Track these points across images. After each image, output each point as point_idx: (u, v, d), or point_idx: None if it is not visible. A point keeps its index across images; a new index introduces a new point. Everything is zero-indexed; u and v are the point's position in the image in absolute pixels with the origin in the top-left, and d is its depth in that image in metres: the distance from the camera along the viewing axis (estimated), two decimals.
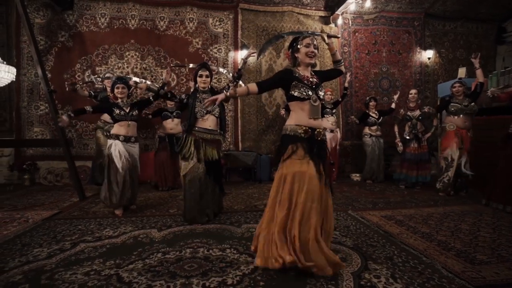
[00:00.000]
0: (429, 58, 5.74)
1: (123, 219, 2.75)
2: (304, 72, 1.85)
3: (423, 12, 5.65)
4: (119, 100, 2.95)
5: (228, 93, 1.77)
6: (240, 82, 4.47)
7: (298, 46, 1.84)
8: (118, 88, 2.93)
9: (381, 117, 4.83)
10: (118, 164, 2.79)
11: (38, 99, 4.68)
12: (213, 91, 2.79)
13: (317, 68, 5.17)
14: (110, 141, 2.89)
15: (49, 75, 4.42)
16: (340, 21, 5.32)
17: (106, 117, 4.09)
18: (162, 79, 2.87)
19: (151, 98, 3.15)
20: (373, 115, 4.81)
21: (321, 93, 1.84)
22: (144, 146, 4.83)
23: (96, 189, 4.00)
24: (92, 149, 4.68)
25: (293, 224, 1.64)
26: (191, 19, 5.02)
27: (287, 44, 1.89)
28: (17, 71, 3.92)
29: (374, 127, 4.79)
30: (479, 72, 3.47)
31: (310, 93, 1.78)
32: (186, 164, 2.60)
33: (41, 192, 4.03)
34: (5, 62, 3.43)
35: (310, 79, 1.83)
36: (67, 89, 3.79)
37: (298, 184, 1.67)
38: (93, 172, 4.41)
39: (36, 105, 4.69)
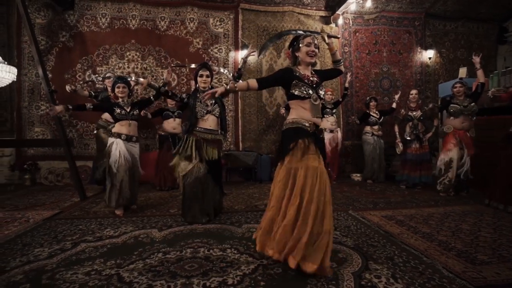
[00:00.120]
0: (429, 58, 5.74)
1: (124, 219, 2.75)
2: (304, 71, 1.85)
3: (424, 12, 5.64)
4: (120, 100, 2.95)
5: (228, 87, 1.76)
6: (240, 81, 4.47)
7: (299, 45, 1.84)
8: (118, 87, 2.93)
9: (382, 117, 4.83)
10: (116, 163, 2.78)
11: (39, 99, 4.69)
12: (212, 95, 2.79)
13: (318, 68, 5.17)
14: (111, 139, 2.88)
15: (50, 75, 4.43)
16: (340, 21, 5.32)
17: (107, 116, 4.10)
18: (163, 79, 2.87)
19: (151, 97, 3.15)
20: (374, 115, 4.81)
21: (321, 92, 1.85)
22: (144, 146, 4.83)
23: (97, 189, 4.02)
24: (93, 149, 4.68)
25: (304, 220, 1.63)
26: (191, 19, 5.02)
27: (287, 44, 1.89)
28: (18, 71, 3.93)
29: (376, 127, 4.79)
30: (480, 73, 3.46)
31: (310, 92, 1.78)
32: (186, 164, 2.59)
33: (42, 192, 4.03)
34: (6, 62, 3.44)
35: (311, 78, 1.84)
36: (67, 90, 3.79)
37: (311, 179, 1.67)
38: (94, 172, 4.41)
39: (37, 105, 4.70)
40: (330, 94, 4.75)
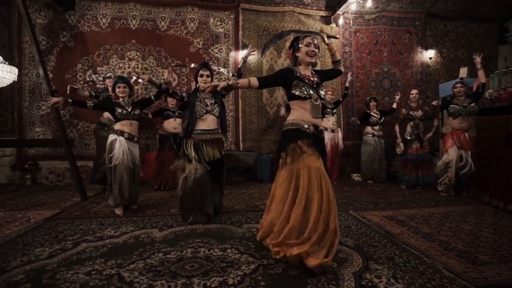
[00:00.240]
0: (430, 58, 5.73)
1: (124, 219, 2.76)
2: (305, 71, 1.85)
3: (424, 12, 5.63)
4: (121, 100, 2.95)
5: (230, 82, 1.76)
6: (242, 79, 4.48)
7: (299, 45, 1.85)
8: (119, 87, 2.94)
9: (383, 117, 4.82)
10: (117, 161, 2.78)
11: (40, 99, 4.70)
12: (213, 91, 2.78)
13: (318, 68, 5.17)
14: (113, 136, 2.87)
15: (50, 75, 4.43)
16: (341, 21, 5.32)
17: (110, 115, 4.10)
18: (164, 79, 2.87)
19: (152, 97, 3.16)
20: (375, 115, 4.81)
21: (322, 92, 1.85)
22: (145, 146, 4.84)
23: (98, 189, 4.02)
24: (94, 149, 4.68)
25: (315, 221, 1.64)
26: (192, 19, 5.02)
27: (288, 44, 1.89)
28: (19, 71, 3.94)
29: (376, 127, 4.79)
30: (481, 73, 3.45)
31: (311, 92, 1.78)
32: (186, 165, 2.59)
33: (42, 192, 4.04)
34: (7, 62, 3.44)
35: (311, 78, 1.84)
36: (68, 92, 3.79)
37: (315, 180, 1.68)
38: (94, 172, 4.42)
39: (38, 105, 4.70)
40: (331, 94, 4.75)
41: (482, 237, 2.24)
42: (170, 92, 2.83)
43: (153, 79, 2.82)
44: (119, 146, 2.81)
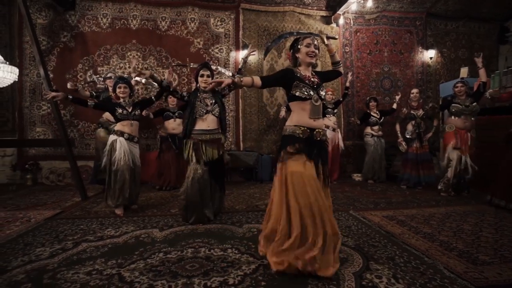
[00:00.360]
0: (431, 58, 5.72)
1: (125, 219, 2.76)
2: (305, 72, 1.85)
3: (425, 12, 5.63)
4: (121, 100, 2.96)
5: (235, 80, 1.74)
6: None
7: (299, 46, 1.84)
8: (120, 87, 2.94)
9: (383, 117, 4.82)
10: (120, 161, 2.78)
11: (41, 99, 4.70)
12: (214, 91, 2.78)
13: (319, 69, 5.18)
14: (113, 137, 2.87)
15: (51, 75, 4.44)
16: (341, 21, 5.31)
17: (108, 115, 4.11)
18: (164, 79, 2.87)
19: (153, 98, 3.16)
20: (375, 115, 4.81)
21: (322, 93, 1.85)
22: (145, 146, 4.84)
23: (98, 189, 4.02)
24: (94, 149, 4.69)
25: (299, 227, 1.64)
26: (192, 19, 5.02)
27: (288, 44, 1.90)
28: (19, 71, 3.94)
29: (376, 127, 4.78)
30: (482, 72, 3.45)
31: (311, 93, 1.78)
32: (188, 165, 2.61)
33: (43, 191, 4.04)
34: (7, 63, 3.45)
35: (312, 79, 1.84)
36: (68, 87, 3.80)
37: (300, 185, 1.67)
38: (95, 172, 4.42)
39: (39, 105, 4.71)
40: (331, 94, 4.75)
41: (482, 237, 2.24)
42: (171, 90, 2.83)
43: (155, 75, 2.81)
44: (120, 147, 2.81)
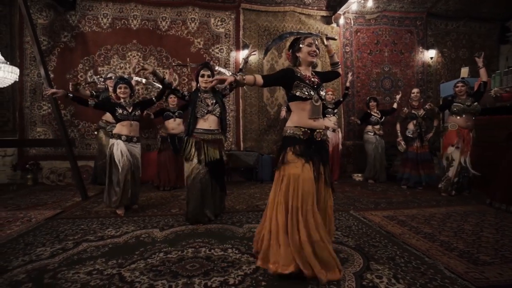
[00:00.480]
0: (431, 58, 5.72)
1: (125, 218, 2.76)
2: (305, 71, 1.85)
3: (425, 12, 5.62)
4: (122, 100, 2.96)
5: (237, 77, 1.71)
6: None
7: (300, 46, 1.84)
8: (120, 88, 2.94)
9: (383, 117, 4.82)
10: (119, 163, 2.80)
11: (41, 99, 4.71)
12: (214, 91, 2.79)
13: (319, 69, 5.18)
14: (112, 141, 2.90)
15: (51, 75, 4.44)
16: (342, 21, 5.31)
17: (108, 117, 4.11)
18: (165, 79, 2.88)
19: (153, 98, 3.17)
20: (376, 114, 4.80)
21: (322, 93, 1.85)
22: (146, 146, 4.84)
23: (99, 189, 4.03)
24: (94, 149, 4.70)
25: (294, 229, 1.62)
26: (193, 19, 5.02)
27: (288, 44, 1.89)
28: (20, 72, 3.94)
29: (377, 126, 4.78)
30: (482, 71, 3.44)
31: (312, 93, 1.78)
32: (188, 165, 2.61)
33: (43, 191, 4.05)
34: (8, 63, 3.45)
35: (312, 79, 1.83)
36: (70, 89, 3.80)
37: (292, 187, 1.66)
38: (95, 172, 4.43)
39: (39, 105, 4.71)
40: (331, 94, 4.75)
41: (483, 237, 2.23)
42: (172, 88, 2.83)
43: (157, 71, 2.80)
44: (117, 149, 2.82)
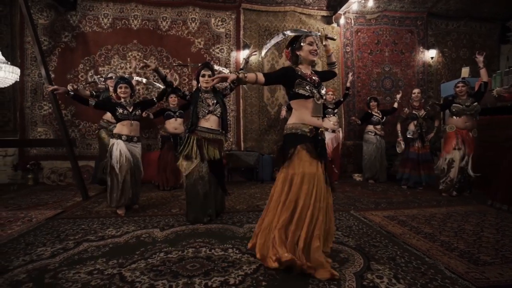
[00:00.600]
0: (432, 58, 5.71)
1: (126, 218, 2.76)
2: (306, 70, 1.86)
3: (426, 12, 5.62)
4: (122, 100, 2.96)
5: (239, 75, 1.71)
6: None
7: (302, 44, 1.84)
8: (121, 87, 2.94)
9: (384, 117, 4.81)
10: (117, 164, 2.79)
11: (42, 99, 4.72)
12: (215, 90, 2.79)
13: (319, 69, 5.18)
14: (112, 140, 2.90)
15: (52, 76, 4.45)
16: (342, 20, 5.31)
17: (108, 116, 4.11)
18: (166, 77, 2.88)
19: (154, 99, 3.17)
20: (376, 114, 4.80)
21: (322, 92, 1.85)
22: (146, 146, 4.85)
23: (99, 189, 4.03)
24: (95, 149, 4.70)
25: (298, 225, 1.65)
26: (193, 19, 5.03)
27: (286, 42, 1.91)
28: (21, 72, 3.95)
29: (378, 126, 4.78)
30: (483, 72, 3.44)
31: (314, 91, 1.79)
32: (188, 164, 2.59)
33: (44, 191, 4.05)
34: (9, 63, 3.45)
35: (313, 77, 1.84)
36: (70, 88, 3.81)
37: (307, 186, 1.68)
38: (96, 172, 4.43)
39: (40, 105, 4.72)
40: (331, 94, 4.74)
41: (484, 238, 2.23)
42: (174, 87, 2.83)
43: (159, 69, 2.80)
44: (117, 149, 2.83)
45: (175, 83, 4.89)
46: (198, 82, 2.77)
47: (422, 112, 4.20)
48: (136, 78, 4.34)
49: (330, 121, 4.60)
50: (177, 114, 4.22)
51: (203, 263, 1.80)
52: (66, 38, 4.73)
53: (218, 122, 2.73)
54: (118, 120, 2.93)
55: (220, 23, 5.11)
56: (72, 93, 2.88)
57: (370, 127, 4.81)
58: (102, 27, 4.82)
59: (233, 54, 5.11)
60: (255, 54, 2.81)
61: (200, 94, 2.68)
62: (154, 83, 4.63)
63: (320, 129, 1.82)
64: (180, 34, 4.99)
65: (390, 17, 5.60)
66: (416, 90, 4.30)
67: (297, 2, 5.24)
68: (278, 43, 5.01)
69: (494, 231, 2.38)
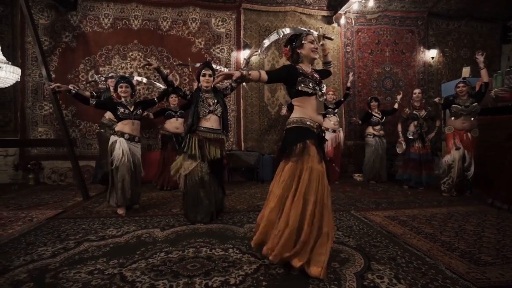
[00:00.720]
0: (432, 58, 5.70)
1: (126, 218, 2.76)
2: (306, 68, 1.86)
3: (427, 11, 5.61)
4: (123, 99, 2.96)
5: (244, 72, 1.71)
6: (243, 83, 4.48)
7: (303, 42, 1.84)
8: (121, 87, 2.94)
9: (384, 117, 4.81)
10: (118, 162, 2.79)
11: (43, 99, 4.72)
12: (216, 90, 2.79)
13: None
14: (114, 138, 2.88)
15: (53, 76, 4.46)
16: (343, 20, 5.30)
17: (111, 115, 4.11)
18: (168, 77, 2.89)
19: (155, 99, 3.17)
20: (376, 115, 4.80)
21: (323, 90, 1.87)
22: (147, 146, 4.85)
23: (100, 189, 4.03)
24: (96, 149, 4.71)
25: (310, 223, 1.65)
26: (193, 19, 5.03)
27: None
28: (21, 72, 3.95)
29: (377, 127, 4.77)
30: (483, 72, 3.43)
31: (316, 88, 1.80)
32: (188, 163, 2.59)
33: (45, 191, 4.06)
34: (10, 63, 3.46)
35: (314, 75, 1.85)
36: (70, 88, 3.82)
37: (315, 182, 1.68)
38: (96, 172, 4.44)
39: (41, 105, 4.73)
40: (332, 94, 4.74)
41: (485, 238, 2.23)
42: (175, 86, 2.83)
43: (161, 68, 2.81)
44: (119, 147, 2.82)
45: (176, 83, 4.90)
46: (198, 81, 2.77)
47: (423, 113, 4.19)
48: (137, 78, 4.35)
49: (331, 121, 4.59)
50: (178, 114, 4.22)
51: (203, 263, 1.80)
52: (66, 38, 4.74)
53: (219, 122, 2.73)
54: (119, 119, 2.93)
55: (220, 23, 5.11)
56: (74, 91, 2.89)
57: (369, 129, 4.80)
58: (103, 27, 4.82)
59: (234, 54, 5.11)
60: (256, 55, 2.82)
61: (200, 94, 2.68)
62: (155, 82, 4.63)
63: (322, 127, 1.85)
64: (180, 34, 4.99)
65: (390, 17, 5.60)
66: (416, 90, 4.29)
67: (297, 2, 5.24)
68: (278, 43, 5.04)
69: (495, 231, 2.38)
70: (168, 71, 4.90)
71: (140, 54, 4.89)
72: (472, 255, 1.92)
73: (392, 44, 5.62)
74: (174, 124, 4.18)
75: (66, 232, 2.37)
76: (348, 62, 5.50)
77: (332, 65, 2.10)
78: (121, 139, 2.86)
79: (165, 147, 4.24)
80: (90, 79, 4.69)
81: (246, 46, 5.07)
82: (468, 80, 3.72)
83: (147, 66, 2.83)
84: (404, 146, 4.26)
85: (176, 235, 2.29)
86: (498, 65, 5.81)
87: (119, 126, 2.93)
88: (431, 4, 5.44)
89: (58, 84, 2.91)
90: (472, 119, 3.57)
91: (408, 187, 4.21)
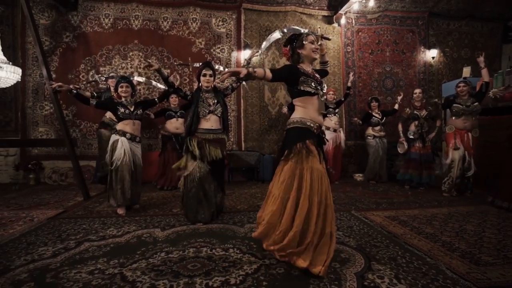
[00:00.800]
0: (433, 58, 5.70)
1: (127, 218, 2.76)
2: (307, 68, 1.86)
3: (427, 11, 5.61)
4: (123, 99, 2.96)
5: (249, 70, 1.69)
6: (244, 83, 4.48)
7: (304, 42, 1.84)
8: (122, 87, 2.94)
9: (384, 117, 4.80)
10: (120, 161, 2.79)
11: (43, 99, 4.73)
12: (216, 90, 2.79)
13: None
14: (115, 137, 2.88)
15: (53, 76, 4.46)
16: (343, 20, 5.30)
17: (111, 114, 4.12)
18: (169, 78, 2.89)
19: (156, 99, 3.17)
20: (376, 115, 4.79)
21: (324, 90, 1.88)
22: (147, 146, 4.85)
23: (100, 189, 4.04)
24: (96, 148, 4.71)
25: (316, 223, 1.66)
26: (194, 19, 5.03)
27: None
28: (22, 72, 3.95)
29: (377, 128, 4.77)
30: (484, 72, 3.43)
31: (318, 87, 1.80)
32: (189, 164, 2.60)
33: (46, 191, 4.06)
34: (10, 63, 3.46)
35: (315, 75, 1.86)
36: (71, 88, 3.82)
37: (317, 182, 1.69)
38: (97, 172, 4.44)
39: (41, 105, 4.73)
40: (332, 94, 4.73)
41: (485, 238, 2.23)
42: (175, 87, 2.83)
43: (162, 69, 2.81)
44: (121, 147, 2.82)
45: (176, 83, 4.91)
46: (199, 81, 2.77)
47: (424, 112, 4.19)
48: (137, 78, 4.35)
49: (331, 121, 4.60)
50: (179, 114, 4.23)
51: (204, 263, 1.80)
52: (67, 38, 4.75)
53: (219, 122, 2.73)
54: (119, 119, 2.93)
55: (221, 23, 5.11)
56: (75, 91, 2.89)
57: (369, 130, 4.80)
58: (103, 27, 4.83)
59: (234, 54, 5.11)
60: (257, 55, 2.82)
61: (201, 94, 2.68)
62: (154, 82, 4.63)
63: (322, 127, 1.85)
64: (181, 34, 4.99)
65: (391, 16, 5.59)
66: (417, 90, 4.28)
67: (298, 2, 5.24)
68: (279, 43, 5.04)
69: (496, 231, 2.38)
70: (169, 71, 4.91)
71: (140, 54, 4.89)
72: (472, 255, 1.92)
73: (392, 44, 5.62)
74: (174, 124, 4.19)
75: (67, 232, 2.38)
76: (348, 62, 5.49)
77: (329, 65, 2.11)
78: (123, 138, 2.86)
79: (165, 147, 4.24)
80: (90, 79, 4.70)
81: (246, 46, 5.07)
82: (468, 80, 3.72)
83: (148, 68, 2.82)
84: (405, 146, 4.26)
85: (176, 235, 2.30)
86: (499, 65, 5.80)
87: (119, 126, 2.93)
88: (432, 4, 5.44)
89: (59, 83, 2.91)
90: (473, 118, 3.57)
91: (409, 187, 4.21)
